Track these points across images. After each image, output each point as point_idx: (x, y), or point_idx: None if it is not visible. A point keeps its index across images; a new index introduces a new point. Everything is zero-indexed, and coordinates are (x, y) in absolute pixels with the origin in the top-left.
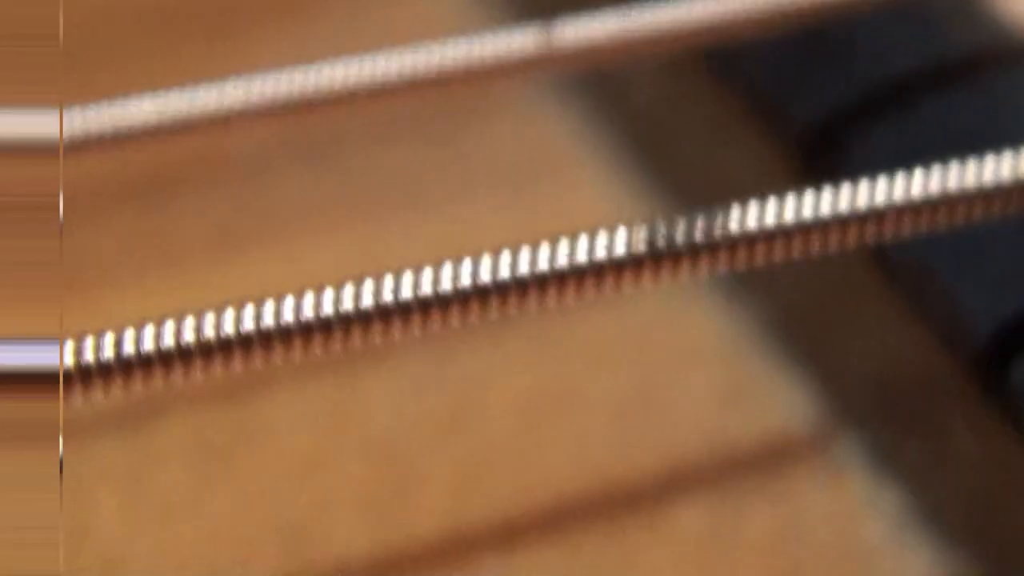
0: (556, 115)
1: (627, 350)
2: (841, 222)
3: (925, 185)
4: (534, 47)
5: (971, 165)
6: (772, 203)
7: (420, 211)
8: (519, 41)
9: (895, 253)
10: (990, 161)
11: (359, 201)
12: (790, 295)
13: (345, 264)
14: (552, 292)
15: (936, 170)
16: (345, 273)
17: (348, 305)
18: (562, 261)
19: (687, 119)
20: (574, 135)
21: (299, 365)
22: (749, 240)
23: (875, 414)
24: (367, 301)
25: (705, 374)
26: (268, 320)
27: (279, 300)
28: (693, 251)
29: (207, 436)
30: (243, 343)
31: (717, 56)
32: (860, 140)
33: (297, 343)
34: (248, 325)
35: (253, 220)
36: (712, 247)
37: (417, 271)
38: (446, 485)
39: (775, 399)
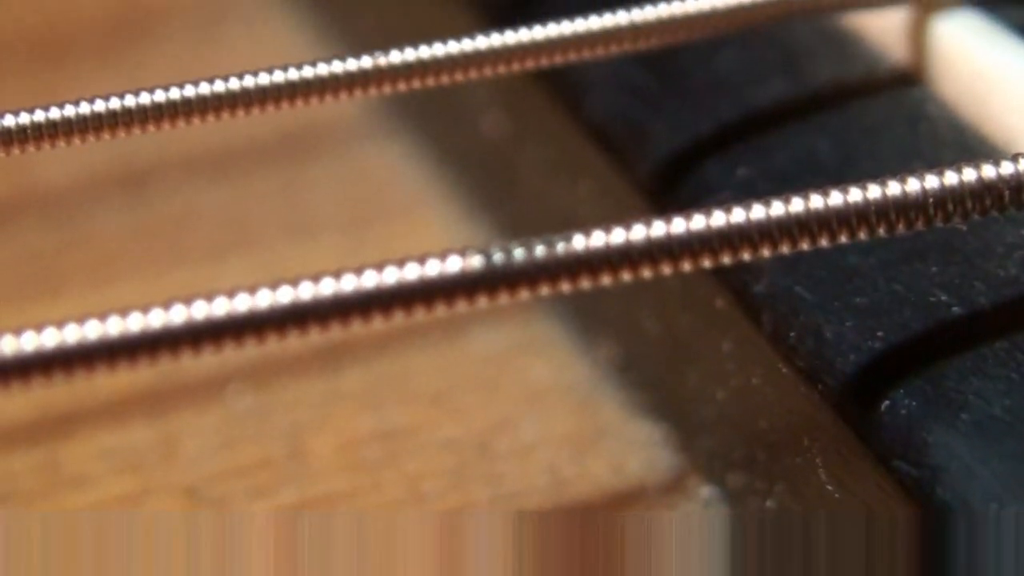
0: (397, 152)
1: (470, 392)
2: (687, 244)
3: (779, 209)
4: (368, 67)
5: (832, 192)
6: (617, 228)
7: (255, 250)
8: (351, 64)
9: (758, 287)
10: (846, 189)
11: (187, 241)
12: (648, 332)
13: None
14: (379, 313)
15: (793, 196)
16: None
17: (157, 326)
18: (391, 281)
19: (534, 154)
20: (417, 173)
21: (113, 404)
22: (591, 261)
23: (735, 461)
24: (177, 321)
25: (554, 420)
26: (72, 341)
27: (81, 322)
28: (532, 271)
29: (15, 481)
30: (45, 364)
31: (564, 87)
32: (715, 174)
33: (103, 367)
34: (49, 346)
35: (70, 258)
36: (552, 267)
37: (233, 294)
38: (268, 536)
39: (629, 445)
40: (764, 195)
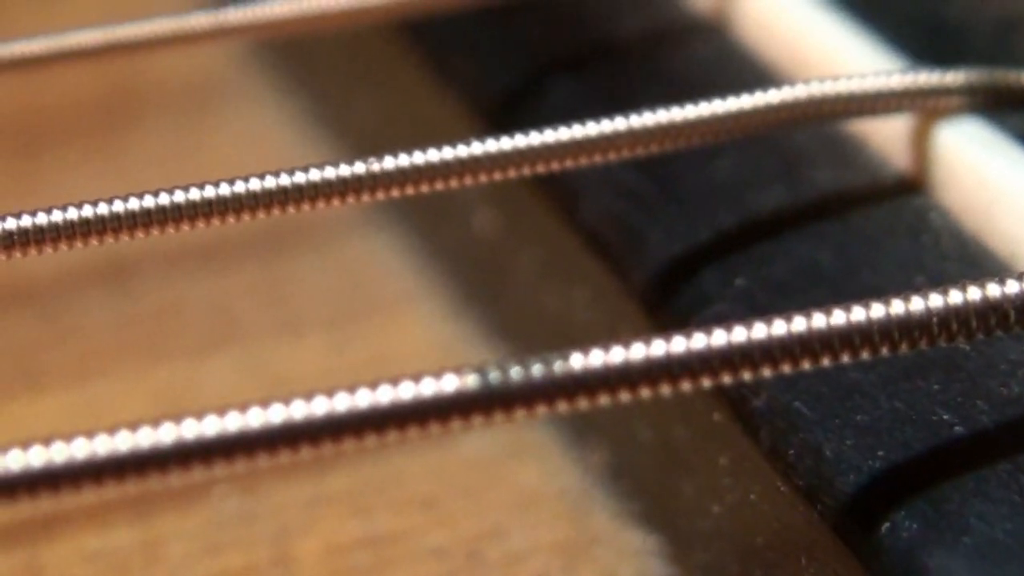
0: (385, 245)
1: (458, 500)
2: (688, 365)
3: (783, 329)
4: (362, 173)
5: (835, 311)
6: (616, 346)
7: (240, 346)
8: (344, 171)
9: (757, 402)
10: (849, 307)
11: (170, 335)
12: (642, 442)
13: (151, 404)
14: (373, 433)
15: (795, 315)
16: (155, 413)
17: (146, 446)
18: (385, 401)
19: (526, 254)
20: (405, 268)
21: (93, 508)
22: (589, 381)
23: (730, 574)
24: (167, 441)
25: (544, 527)
26: (59, 460)
27: (69, 440)
28: (529, 392)
29: None
30: (30, 483)
31: (559, 189)
32: (711, 280)
33: (89, 485)
34: (36, 464)
35: (52, 352)
36: (550, 388)
37: (223, 412)
38: None
39: (621, 555)
40: (763, 306)
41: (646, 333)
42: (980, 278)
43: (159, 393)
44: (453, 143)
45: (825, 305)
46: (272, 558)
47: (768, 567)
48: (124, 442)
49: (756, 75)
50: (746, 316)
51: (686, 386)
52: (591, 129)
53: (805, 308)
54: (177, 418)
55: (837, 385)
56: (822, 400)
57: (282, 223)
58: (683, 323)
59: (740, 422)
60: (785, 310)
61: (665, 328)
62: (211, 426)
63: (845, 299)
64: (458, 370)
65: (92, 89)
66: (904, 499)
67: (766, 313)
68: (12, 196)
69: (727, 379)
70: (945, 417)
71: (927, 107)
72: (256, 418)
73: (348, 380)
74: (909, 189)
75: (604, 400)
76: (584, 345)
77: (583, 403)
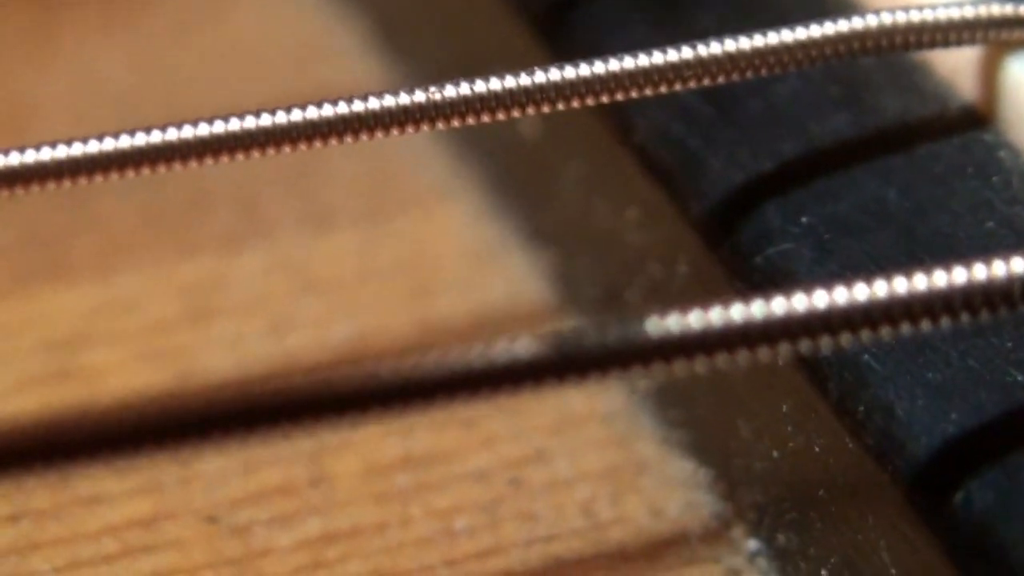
0: (420, 140)
1: (501, 421)
2: (767, 332)
3: (864, 294)
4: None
5: (916, 275)
6: (695, 311)
7: (269, 241)
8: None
9: (826, 356)
10: (936, 272)
11: (199, 228)
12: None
13: (178, 298)
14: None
15: (877, 280)
16: (183, 309)
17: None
18: (459, 368)
19: (575, 167)
20: (443, 163)
21: None
22: (666, 347)
23: (787, 521)
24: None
25: (590, 453)
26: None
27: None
28: (604, 357)
29: (27, 501)
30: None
31: (614, 106)
32: (773, 215)
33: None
34: None
35: (79, 242)
36: (626, 354)
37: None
38: (294, 568)
39: (669, 487)
40: (828, 246)
41: (703, 262)
42: None
43: (186, 287)
44: (516, 72)
45: (893, 247)
46: (309, 477)
47: (830, 519)
48: None
49: None
50: (811, 256)
51: (764, 353)
52: (656, 58)
53: (872, 249)
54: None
55: (907, 339)
56: (892, 354)
57: None
58: (746, 259)
59: (807, 372)
60: (852, 251)
61: (725, 262)
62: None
63: (913, 242)
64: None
65: None
66: (978, 467)
67: (831, 253)
68: (26, 68)
69: (805, 347)
70: (1020, 378)
71: (999, 39)
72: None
73: (381, 279)
74: (978, 124)
75: (680, 368)
76: (634, 265)
77: (658, 369)
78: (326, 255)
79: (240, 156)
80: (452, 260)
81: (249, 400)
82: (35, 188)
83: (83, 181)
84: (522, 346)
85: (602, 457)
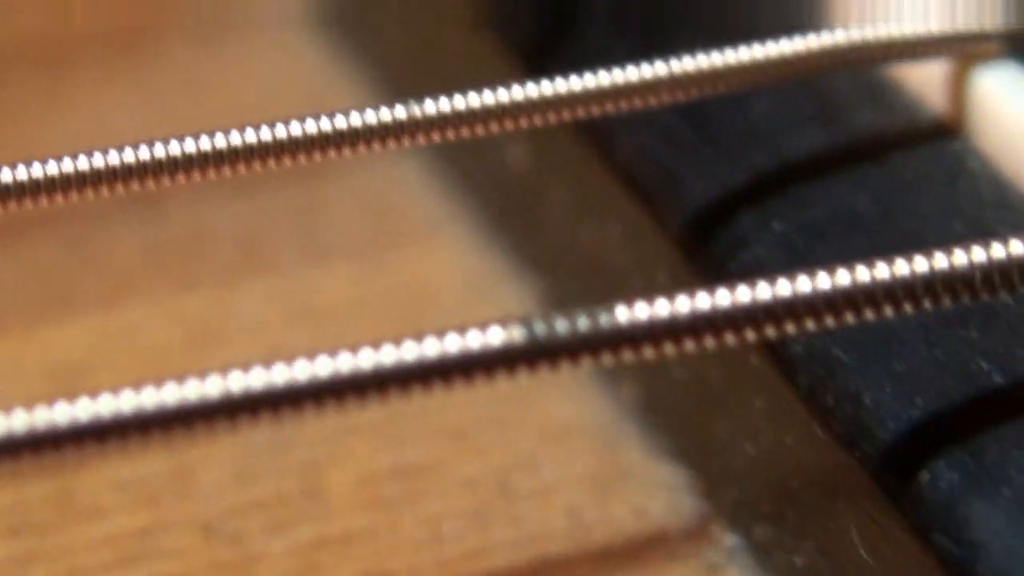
0: (415, 173)
1: (489, 432)
2: (732, 319)
3: (827, 283)
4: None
5: (878, 265)
6: (662, 300)
7: (269, 273)
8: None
9: (795, 348)
10: (898, 261)
11: (200, 262)
12: (675, 379)
13: (180, 331)
14: (419, 386)
15: (839, 269)
16: (185, 339)
17: (193, 397)
18: (431, 354)
19: (559, 189)
20: (435, 196)
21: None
22: (635, 334)
23: (762, 514)
24: (213, 393)
25: (575, 460)
26: (105, 413)
27: (116, 393)
28: (575, 345)
29: (28, 513)
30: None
31: (594, 126)
32: (748, 223)
33: (134, 434)
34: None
35: (81, 277)
36: (595, 342)
37: (269, 365)
38: (287, 571)
39: (652, 491)
40: (800, 251)
41: (681, 274)
42: (1017, 225)
43: (188, 320)
44: (490, 87)
45: (863, 251)
46: (303, 488)
47: (802, 509)
48: (171, 393)
49: None
50: (783, 260)
51: (730, 339)
52: (630, 74)
53: (843, 253)
54: (223, 371)
55: (875, 332)
56: (860, 347)
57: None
58: (720, 266)
59: (778, 367)
60: (822, 254)
61: (701, 270)
62: (257, 378)
63: (883, 244)
64: (503, 323)
65: (117, 8)
66: (944, 449)
67: (803, 257)
68: (35, 119)
69: (771, 333)
70: (984, 366)
71: (965, 52)
72: (303, 370)
73: (377, 310)
74: (946, 134)
75: (648, 353)
76: (618, 282)
77: (628, 356)
78: (324, 287)
79: (227, 172)
80: (446, 290)
81: (225, 389)
82: (28, 204)
83: (72, 198)
84: (494, 334)
85: (587, 463)
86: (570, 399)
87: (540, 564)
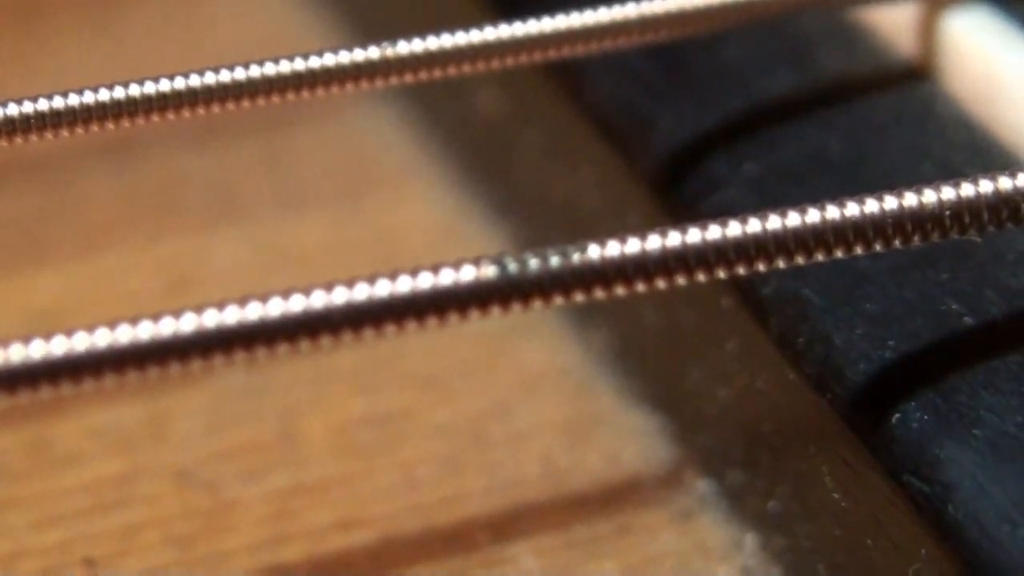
0: (388, 120)
1: (463, 378)
2: (703, 256)
3: (797, 220)
4: (375, 58)
5: (848, 203)
6: (632, 238)
7: (244, 221)
8: (357, 55)
9: (766, 290)
10: (867, 199)
11: (175, 210)
12: (647, 323)
13: (155, 277)
14: (392, 323)
15: (810, 208)
16: (160, 286)
17: (167, 333)
18: (404, 291)
19: (531, 134)
20: (408, 143)
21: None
22: (606, 272)
23: (735, 459)
24: (187, 330)
25: (548, 407)
26: (79, 348)
27: (91, 330)
28: (547, 282)
29: (5, 459)
30: (47, 372)
31: (565, 70)
32: (719, 166)
33: (109, 371)
34: (54, 352)
35: (54, 225)
36: (567, 279)
37: (244, 302)
38: (262, 517)
39: (625, 437)
40: (771, 192)
41: (653, 217)
42: (986, 167)
43: (164, 267)
44: (461, 28)
45: (834, 192)
46: (278, 434)
47: (775, 453)
48: (146, 330)
49: None
50: (755, 202)
51: (701, 277)
52: (601, 15)
53: (814, 195)
54: (199, 308)
55: (846, 273)
56: (831, 288)
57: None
58: (691, 208)
59: (749, 309)
60: (794, 196)
61: (673, 212)
62: (231, 315)
63: (854, 186)
64: (476, 260)
65: None
66: (914, 390)
67: (775, 199)
68: (9, 69)
69: (742, 270)
70: (955, 307)
71: None
72: (276, 308)
73: (352, 256)
74: (916, 77)
75: (620, 291)
76: (590, 226)
77: (600, 293)
78: (299, 233)
79: (201, 111)
80: (419, 235)
81: (199, 326)
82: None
83: (47, 136)
84: (467, 271)
85: (560, 410)
86: (543, 346)
87: (514, 510)
